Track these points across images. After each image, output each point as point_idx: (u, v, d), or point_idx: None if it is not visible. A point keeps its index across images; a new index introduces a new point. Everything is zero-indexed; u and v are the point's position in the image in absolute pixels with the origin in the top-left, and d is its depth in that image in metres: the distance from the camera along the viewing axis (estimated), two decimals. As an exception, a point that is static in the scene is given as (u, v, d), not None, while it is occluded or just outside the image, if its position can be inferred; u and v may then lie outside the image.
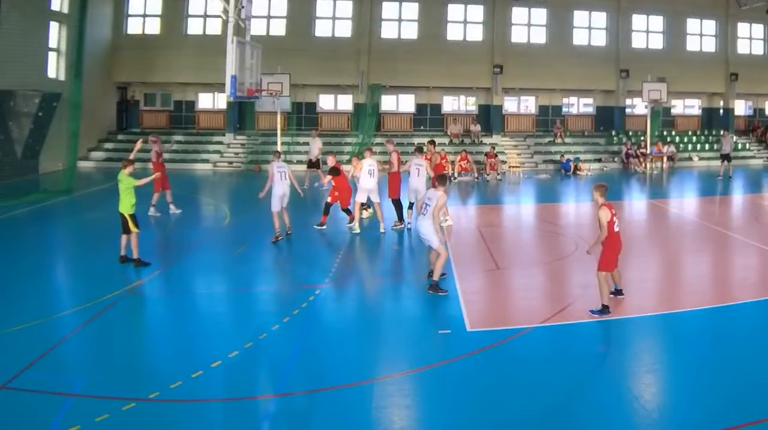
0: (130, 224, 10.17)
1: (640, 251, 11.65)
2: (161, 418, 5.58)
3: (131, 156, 11.49)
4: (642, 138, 27.20)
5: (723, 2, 28.98)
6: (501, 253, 11.77)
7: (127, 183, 10.26)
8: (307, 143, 23.15)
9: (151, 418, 5.55)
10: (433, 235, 8.88)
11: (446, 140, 27.22)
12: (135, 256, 10.24)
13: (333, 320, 8.31)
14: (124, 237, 10.31)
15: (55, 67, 22.58)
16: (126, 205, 10.23)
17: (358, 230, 13.02)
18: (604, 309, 8.06)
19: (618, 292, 8.65)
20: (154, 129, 27.84)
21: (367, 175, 13.18)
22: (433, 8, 27.56)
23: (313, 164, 20.46)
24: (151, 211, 14.70)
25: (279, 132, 23.93)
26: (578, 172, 24.72)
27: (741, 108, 31.39)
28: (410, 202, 13.65)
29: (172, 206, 15.03)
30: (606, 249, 8.14)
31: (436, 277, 8.90)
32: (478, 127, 28.01)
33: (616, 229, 8.12)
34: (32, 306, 8.28)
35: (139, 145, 13.75)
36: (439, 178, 9.15)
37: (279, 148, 24.00)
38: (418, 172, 13.26)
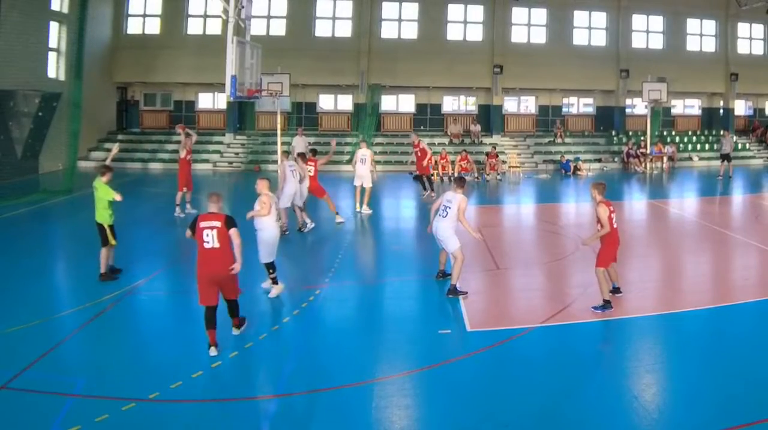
0: (109, 236, 9.43)
1: (640, 250, 11.65)
2: (161, 418, 5.58)
3: (108, 161, 10.47)
4: (642, 138, 27.20)
5: (723, 2, 28.98)
6: (501, 253, 11.77)
7: (103, 193, 9.39)
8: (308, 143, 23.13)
9: (151, 418, 5.55)
10: (450, 238, 8.82)
11: (446, 140, 27.23)
12: (103, 269, 9.45)
13: (333, 320, 8.31)
14: (104, 250, 9.47)
15: (55, 67, 22.58)
16: (104, 215, 9.44)
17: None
18: (606, 304, 8.15)
19: (616, 290, 8.68)
20: (154, 129, 27.97)
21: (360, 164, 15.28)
22: (433, 8, 27.56)
23: None
24: (177, 211, 14.67)
25: (279, 132, 23.93)
26: (578, 173, 24.71)
27: (741, 108, 31.37)
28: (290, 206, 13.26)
29: (188, 206, 15.03)
30: (604, 245, 8.25)
31: (454, 280, 8.85)
32: (478, 127, 28.02)
33: (614, 225, 8.23)
34: (32, 306, 8.28)
35: (115, 150, 11.60)
36: (459, 181, 9.08)
37: (279, 148, 24.09)
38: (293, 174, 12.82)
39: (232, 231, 6.92)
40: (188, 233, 7.12)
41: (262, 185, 8.80)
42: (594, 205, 8.34)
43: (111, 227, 9.51)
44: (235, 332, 7.32)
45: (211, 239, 6.85)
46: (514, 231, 15.00)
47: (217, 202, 7.14)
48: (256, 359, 6.90)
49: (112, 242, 9.49)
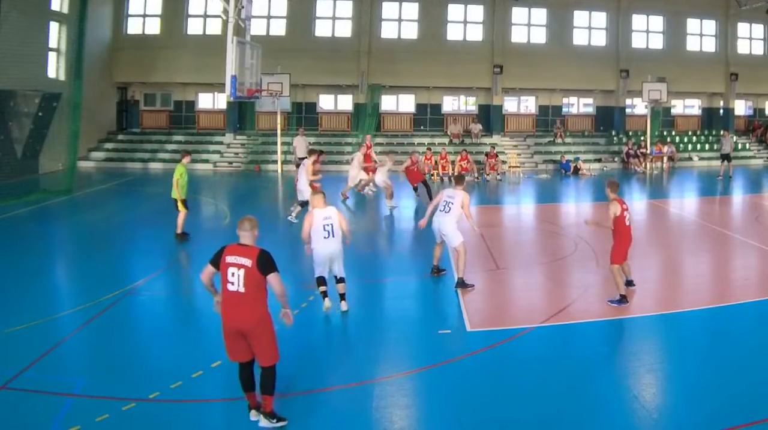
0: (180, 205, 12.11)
1: (640, 250, 11.61)
2: (161, 418, 5.58)
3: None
4: (642, 138, 27.20)
5: (723, 2, 28.98)
6: (501, 253, 11.77)
7: (180, 171, 12.02)
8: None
9: (151, 418, 5.55)
10: (454, 233, 9.12)
11: (446, 140, 27.23)
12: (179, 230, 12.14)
13: (333, 319, 8.30)
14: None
15: (55, 67, 22.57)
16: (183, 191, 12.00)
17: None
18: (622, 299, 8.39)
19: (629, 283, 8.89)
20: (155, 129, 27.98)
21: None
22: (433, 8, 27.55)
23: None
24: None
25: (279, 132, 23.96)
26: (580, 173, 24.67)
27: (741, 108, 31.37)
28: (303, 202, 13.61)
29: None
30: (617, 243, 8.56)
31: (461, 274, 9.14)
32: (479, 127, 27.95)
33: (627, 223, 8.56)
34: (32, 306, 8.28)
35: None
36: (459, 179, 9.62)
37: (279, 148, 24.11)
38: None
39: (272, 277, 5.29)
40: (207, 270, 5.46)
41: (319, 201, 8.19)
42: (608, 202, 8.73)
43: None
44: (264, 423, 5.36)
45: (236, 280, 5.25)
46: (514, 231, 15.00)
47: (251, 231, 5.43)
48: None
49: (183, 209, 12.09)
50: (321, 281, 8.19)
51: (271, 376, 5.37)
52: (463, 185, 9.39)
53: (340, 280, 8.20)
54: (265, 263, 5.27)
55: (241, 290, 5.23)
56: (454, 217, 9.09)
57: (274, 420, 5.36)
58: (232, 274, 5.25)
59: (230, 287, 5.27)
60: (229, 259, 5.31)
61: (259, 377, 5.39)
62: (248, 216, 5.55)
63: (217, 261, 5.37)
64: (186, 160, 12.38)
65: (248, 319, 5.24)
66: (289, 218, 13.99)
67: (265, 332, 5.32)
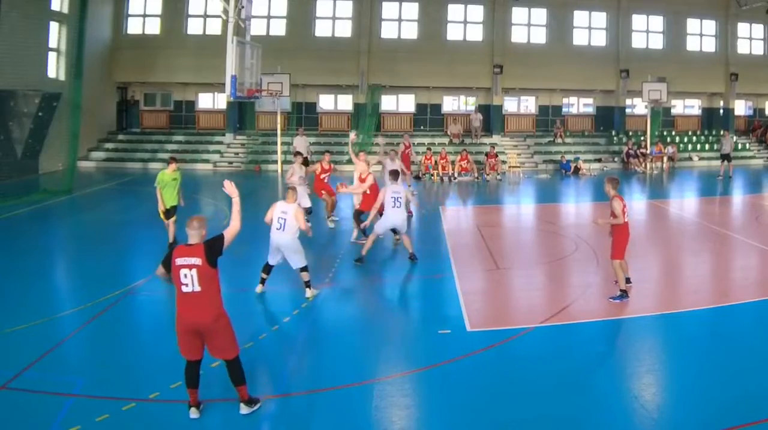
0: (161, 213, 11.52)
1: (640, 251, 11.64)
2: (161, 418, 5.58)
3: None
4: (642, 138, 27.20)
5: (723, 2, 28.99)
6: (501, 253, 11.77)
7: (162, 178, 11.38)
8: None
9: (151, 418, 5.55)
10: (405, 222, 10.78)
11: (446, 140, 27.23)
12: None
13: (333, 320, 8.31)
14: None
15: (55, 67, 22.59)
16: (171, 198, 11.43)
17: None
18: (623, 294, 8.50)
19: (626, 280, 8.89)
20: (154, 129, 27.99)
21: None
22: (433, 8, 27.56)
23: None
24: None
25: (279, 132, 23.97)
26: (579, 173, 24.65)
27: (741, 108, 31.38)
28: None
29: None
30: (617, 238, 8.68)
31: (412, 250, 10.81)
32: (480, 116, 27.69)
33: (626, 219, 8.68)
34: (32, 306, 8.28)
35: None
36: (394, 173, 11.33)
37: (279, 148, 24.10)
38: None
39: (227, 237, 5.53)
40: (160, 270, 5.57)
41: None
42: (609, 199, 8.75)
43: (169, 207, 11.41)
44: (244, 410, 5.55)
45: (190, 281, 5.34)
46: (514, 231, 14.99)
47: (199, 230, 5.48)
48: (256, 359, 6.88)
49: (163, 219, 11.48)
50: (266, 267, 8.94)
51: (237, 367, 5.55)
52: (398, 180, 11.07)
53: (303, 269, 8.82)
54: (212, 248, 5.39)
55: (197, 289, 5.35)
56: (405, 208, 10.72)
57: (253, 405, 5.61)
58: (185, 275, 5.35)
59: (185, 289, 5.39)
60: (179, 261, 5.36)
61: (228, 372, 5.57)
62: (197, 215, 5.69)
63: (167, 263, 5.46)
64: (171, 167, 11.48)
65: (207, 317, 5.39)
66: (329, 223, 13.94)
67: (223, 328, 5.47)
